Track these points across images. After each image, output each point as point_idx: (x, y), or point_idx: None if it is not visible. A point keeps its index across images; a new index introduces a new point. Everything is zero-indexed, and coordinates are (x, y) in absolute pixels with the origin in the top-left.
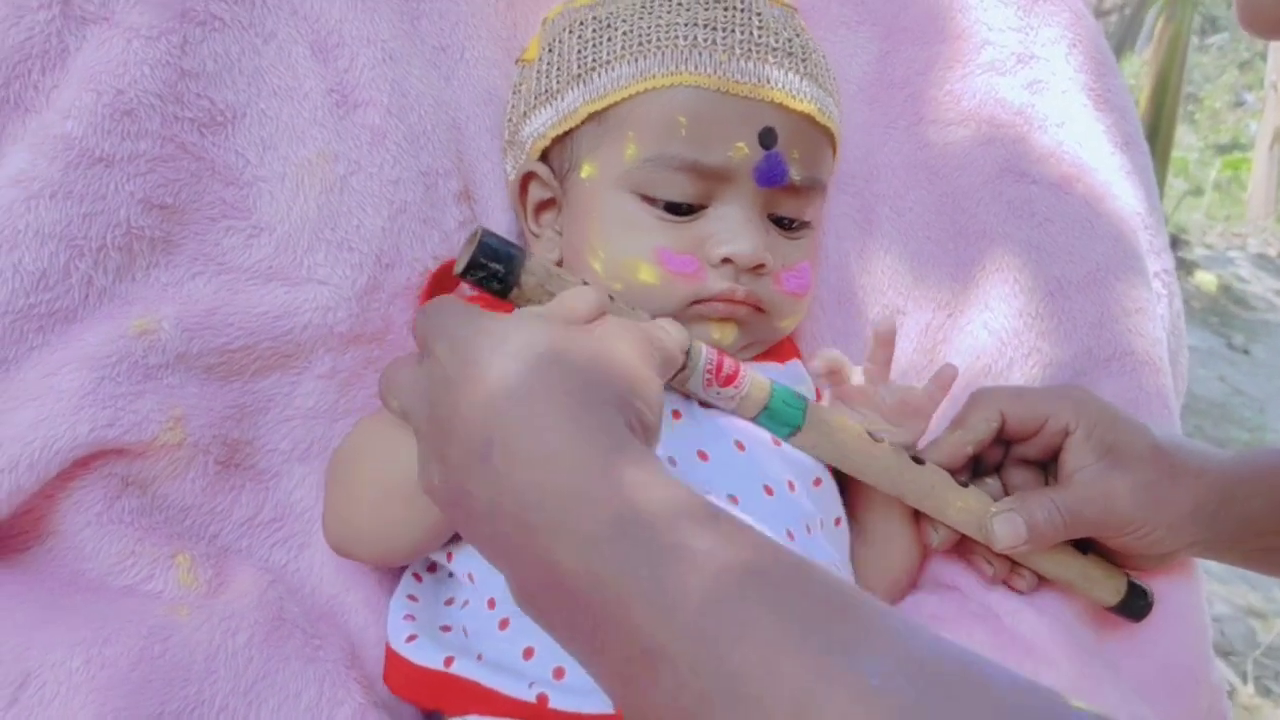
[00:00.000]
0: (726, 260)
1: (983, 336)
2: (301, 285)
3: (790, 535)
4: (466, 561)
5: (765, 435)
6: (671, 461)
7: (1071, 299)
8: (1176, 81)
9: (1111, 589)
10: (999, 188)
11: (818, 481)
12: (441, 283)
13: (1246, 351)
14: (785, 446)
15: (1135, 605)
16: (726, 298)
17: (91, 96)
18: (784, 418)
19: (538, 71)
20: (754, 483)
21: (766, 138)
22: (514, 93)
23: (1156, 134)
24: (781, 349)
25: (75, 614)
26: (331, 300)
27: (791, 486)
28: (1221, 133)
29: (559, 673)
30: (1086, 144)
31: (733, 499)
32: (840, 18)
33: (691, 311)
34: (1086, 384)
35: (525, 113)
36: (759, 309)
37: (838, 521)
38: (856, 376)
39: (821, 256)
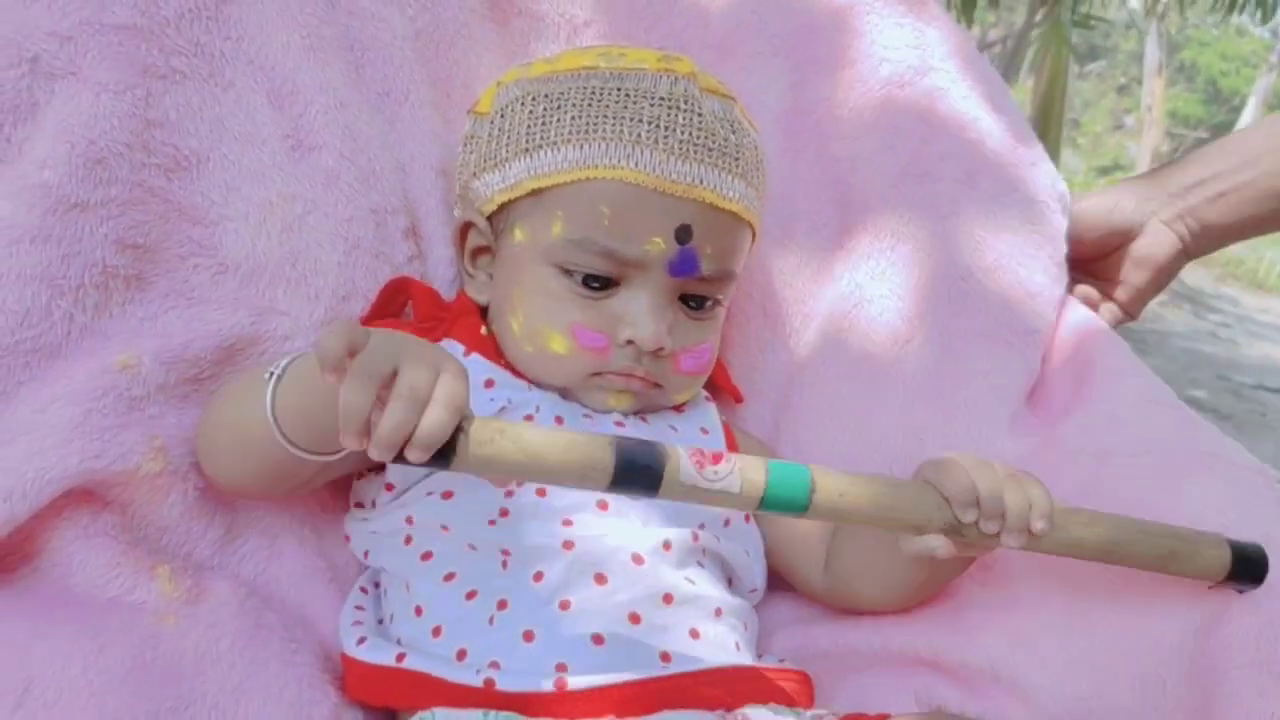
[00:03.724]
0: (631, 341)
1: (896, 322)
2: (265, 316)
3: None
4: (380, 560)
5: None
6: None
7: (977, 284)
8: (1059, 109)
9: (1210, 555)
10: (903, 188)
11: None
12: (389, 302)
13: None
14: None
15: (1249, 563)
16: (627, 373)
17: (65, 147)
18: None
19: (489, 134)
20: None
21: (683, 234)
22: (464, 143)
23: None
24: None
25: (69, 625)
26: (291, 330)
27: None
28: (1104, 155)
29: (494, 664)
30: (988, 141)
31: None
32: (755, 50)
33: (593, 381)
34: (993, 359)
35: (475, 172)
36: (655, 385)
37: (727, 522)
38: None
39: (746, 274)
